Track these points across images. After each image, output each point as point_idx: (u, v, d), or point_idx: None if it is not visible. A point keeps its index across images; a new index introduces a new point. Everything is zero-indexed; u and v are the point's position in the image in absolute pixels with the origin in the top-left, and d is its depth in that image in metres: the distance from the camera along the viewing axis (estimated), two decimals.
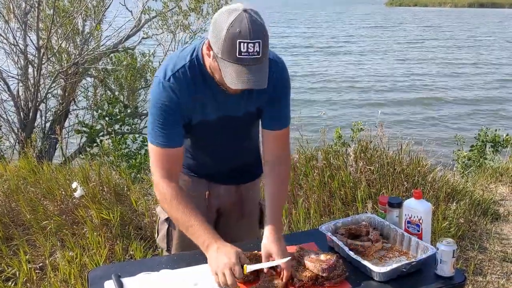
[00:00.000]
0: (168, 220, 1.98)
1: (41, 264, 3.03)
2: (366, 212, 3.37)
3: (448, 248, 1.76)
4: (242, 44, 1.46)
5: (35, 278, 2.79)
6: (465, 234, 3.50)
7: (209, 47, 1.56)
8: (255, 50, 1.47)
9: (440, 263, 1.77)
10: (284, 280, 1.65)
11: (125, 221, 3.23)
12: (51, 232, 3.15)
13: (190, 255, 1.88)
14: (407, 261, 1.79)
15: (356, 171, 3.80)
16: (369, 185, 3.70)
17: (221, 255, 1.63)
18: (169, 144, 1.73)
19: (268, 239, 1.73)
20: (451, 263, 1.77)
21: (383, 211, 2.13)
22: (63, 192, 3.44)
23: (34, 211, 3.32)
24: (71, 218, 3.28)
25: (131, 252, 2.97)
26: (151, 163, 1.77)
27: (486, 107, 13.36)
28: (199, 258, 1.83)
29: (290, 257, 1.67)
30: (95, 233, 3.05)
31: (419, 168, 3.95)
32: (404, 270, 1.77)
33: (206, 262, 1.79)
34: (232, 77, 1.50)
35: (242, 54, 1.47)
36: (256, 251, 1.85)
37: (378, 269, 1.72)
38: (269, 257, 1.72)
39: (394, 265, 1.74)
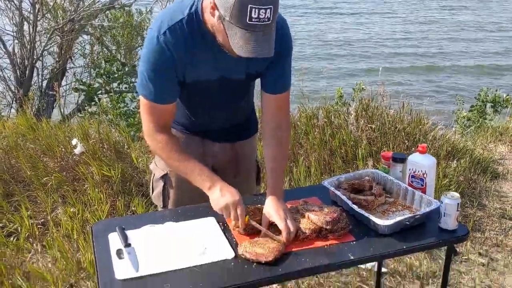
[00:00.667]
0: (164, 178, 1.95)
1: (42, 220, 3.04)
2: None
3: (452, 201, 1.76)
4: (253, 9, 1.37)
5: (37, 233, 2.81)
6: (465, 191, 3.52)
7: (215, 7, 1.47)
8: (266, 16, 1.40)
9: (444, 216, 1.77)
10: (286, 238, 1.65)
11: (126, 178, 3.23)
12: (52, 188, 3.14)
13: (194, 209, 1.88)
14: (410, 215, 1.80)
15: (357, 130, 3.78)
16: (370, 143, 3.69)
17: (225, 194, 1.66)
18: (160, 101, 1.69)
19: (269, 207, 1.72)
20: (455, 217, 1.77)
21: (386, 166, 2.13)
22: (63, 149, 3.42)
23: (34, 168, 3.31)
24: (72, 175, 3.28)
25: (133, 208, 2.98)
26: (142, 114, 1.73)
27: (489, 71, 13.17)
28: (203, 211, 1.84)
29: (291, 230, 1.66)
30: (96, 190, 3.05)
31: (420, 127, 3.93)
32: (408, 223, 1.77)
33: (211, 215, 1.79)
34: (239, 45, 1.44)
35: (253, 20, 1.39)
36: (259, 205, 1.85)
37: (381, 222, 1.73)
38: (269, 223, 1.73)
39: (398, 218, 1.74)
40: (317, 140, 3.74)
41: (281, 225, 1.65)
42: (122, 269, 1.53)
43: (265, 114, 1.84)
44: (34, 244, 2.79)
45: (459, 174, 3.61)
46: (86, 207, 2.94)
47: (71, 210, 2.93)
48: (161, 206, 2.01)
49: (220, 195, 1.67)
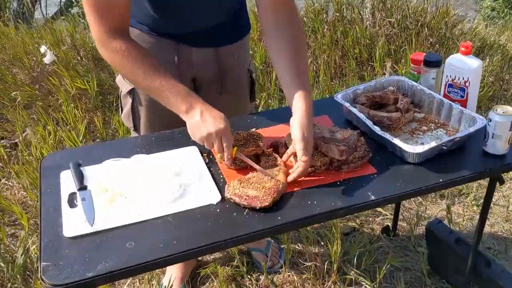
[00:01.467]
0: (132, 93, 1.53)
1: (17, 140, 2.68)
2: (385, 74, 2.92)
3: (505, 119, 1.35)
4: None
5: (5, 157, 2.46)
6: (495, 94, 3.08)
7: None
8: None
9: (492, 138, 1.37)
10: (293, 177, 1.26)
11: (106, 89, 2.81)
12: (21, 104, 2.75)
13: (171, 135, 1.48)
14: (448, 137, 1.39)
15: (374, 25, 3.25)
16: (388, 41, 3.19)
17: (206, 119, 1.25)
18: None
19: (296, 119, 1.26)
20: (507, 138, 1.37)
21: (415, 72, 1.68)
22: (34, 58, 2.97)
23: (2, 81, 2.88)
24: (47, 89, 2.86)
25: (114, 126, 2.60)
26: (87, 15, 1.26)
27: None
28: (182, 139, 1.44)
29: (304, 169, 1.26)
30: (72, 105, 2.64)
31: (446, 19, 3.38)
32: (445, 148, 1.38)
33: (193, 144, 1.40)
34: None
35: None
36: (253, 129, 1.45)
37: (412, 149, 1.33)
38: (271, 145, 1.37)
39: (433, 144, 1.33)
40: (327, 39, 3.25)
41: (301, 157, 1.23)
42: (73, 222, 1.17)
43: (262, 11, 1.36)
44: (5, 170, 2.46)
45: (489, 75, 3.14)
46: (59, 125, 2.55)
47: (46, 128, 2.54)
48: (132, 128, 1.62)
49: (200, 120, 1.26)
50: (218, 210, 1.22)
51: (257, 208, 1.19)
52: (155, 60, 1.31)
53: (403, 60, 3.00)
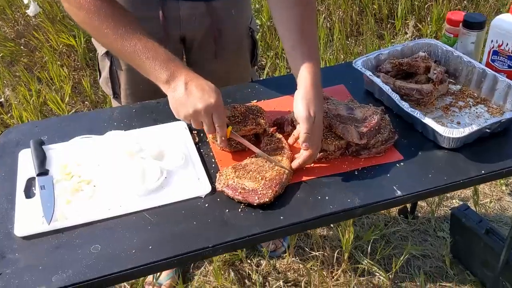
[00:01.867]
0: (110, 54, 1.29)
1: (1, 100, 2.45)
2: (407, 33, 2.62)
3: None
4: None
5: None
6: None
7: None
8: None
9: None
10: (298, 164, 1.02)
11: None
12: (4, 61, 2.49)
13: (157, 106, 1.25)
14: (495, 119, 1.13)
15: None
16: None
17: (193, 92, 0.99)
18: None
19: (301, 92, 1.02)
20: None
21: (452, 35, 1.40)
22: (19, 10, 2.69)
23: None
24: (33, 45, 2.59)
25: None
26: None
27: None
28: (170, 111, 1.20)
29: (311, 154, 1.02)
30: (58, 63, 2.39)
31: None
32: (488, 130, 1.12)
33: (178, 119, 1.15)
34: None
35: None
36: (253, 102, 1.20)
37: (449, 133, 1.07)
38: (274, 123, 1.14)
39: (475, 127, 1.08)
40: None
41: (302, 143, 1.01)
42: (28, 217, 0.95)
43: None
44: None
45: None
46: (42, 85, 2.30)
47: (30, 89, 2.30)
48: (112, 95, 1.39)
49: (185, 93, 1.00)
50: (206, 204, 0.99)
51: (255, 204, 0.96)
52: (130, 16, 1.04)
53: (428, 19, 2.69)
